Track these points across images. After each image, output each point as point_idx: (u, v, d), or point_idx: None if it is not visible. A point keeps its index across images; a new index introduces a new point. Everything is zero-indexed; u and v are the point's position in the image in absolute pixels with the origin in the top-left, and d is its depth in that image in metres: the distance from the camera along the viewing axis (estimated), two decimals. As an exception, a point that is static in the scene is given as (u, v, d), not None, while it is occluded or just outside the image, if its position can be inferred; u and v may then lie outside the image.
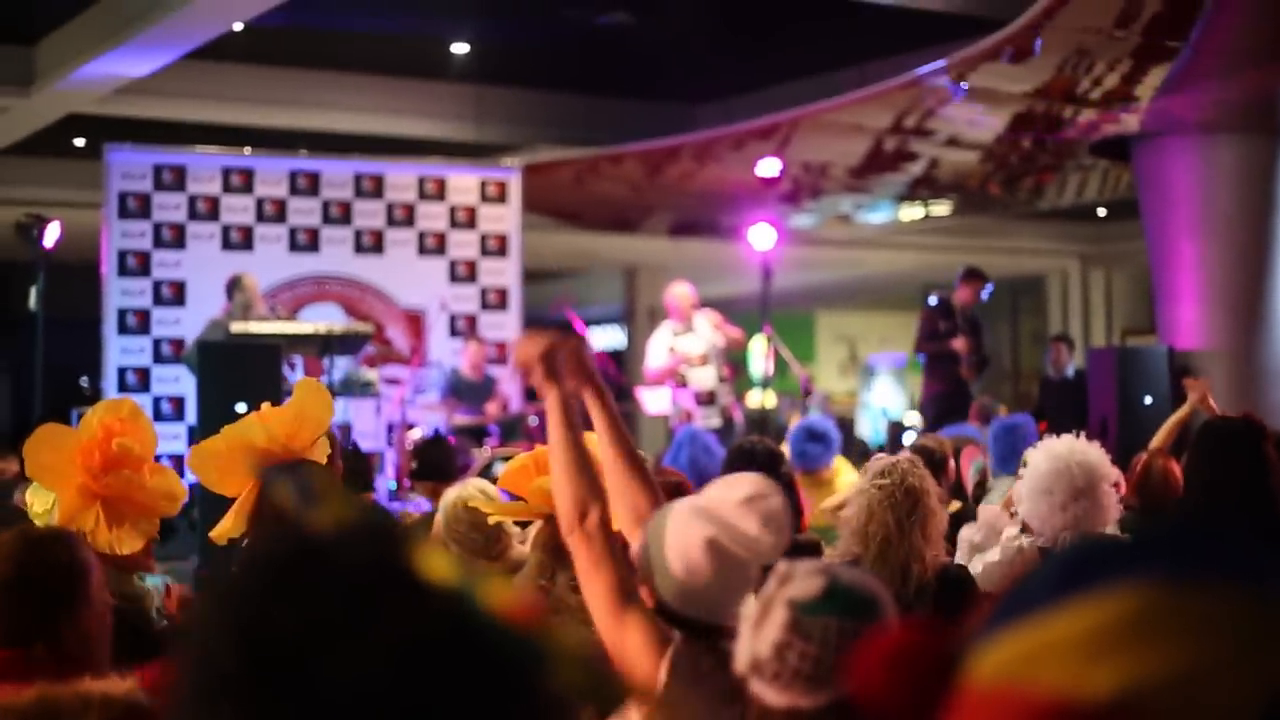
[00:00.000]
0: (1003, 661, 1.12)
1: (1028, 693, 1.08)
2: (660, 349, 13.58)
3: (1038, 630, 1.11)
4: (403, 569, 1.19)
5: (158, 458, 4.81)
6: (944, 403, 13.76)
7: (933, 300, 14.80)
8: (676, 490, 5.46)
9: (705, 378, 13.47)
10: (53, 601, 3.59)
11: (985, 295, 14.79)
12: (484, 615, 1.18)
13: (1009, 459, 8.21)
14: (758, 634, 2.43)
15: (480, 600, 1.19)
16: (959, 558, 5.60)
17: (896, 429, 19.01)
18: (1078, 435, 5.39)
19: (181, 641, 1.25)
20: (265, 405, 4.85)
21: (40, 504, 4.72)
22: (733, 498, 3.28)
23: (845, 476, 8.92)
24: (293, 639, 1.16)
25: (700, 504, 3.32)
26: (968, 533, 5.80)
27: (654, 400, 14.03)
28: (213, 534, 4.63)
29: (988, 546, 5.57)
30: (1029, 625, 1.12)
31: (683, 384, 13.48)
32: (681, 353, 13.45)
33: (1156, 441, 7.61)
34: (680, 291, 13.68)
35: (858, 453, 15.52)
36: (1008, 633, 1.13)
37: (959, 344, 14.22)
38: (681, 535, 3.27)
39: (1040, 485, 5.26)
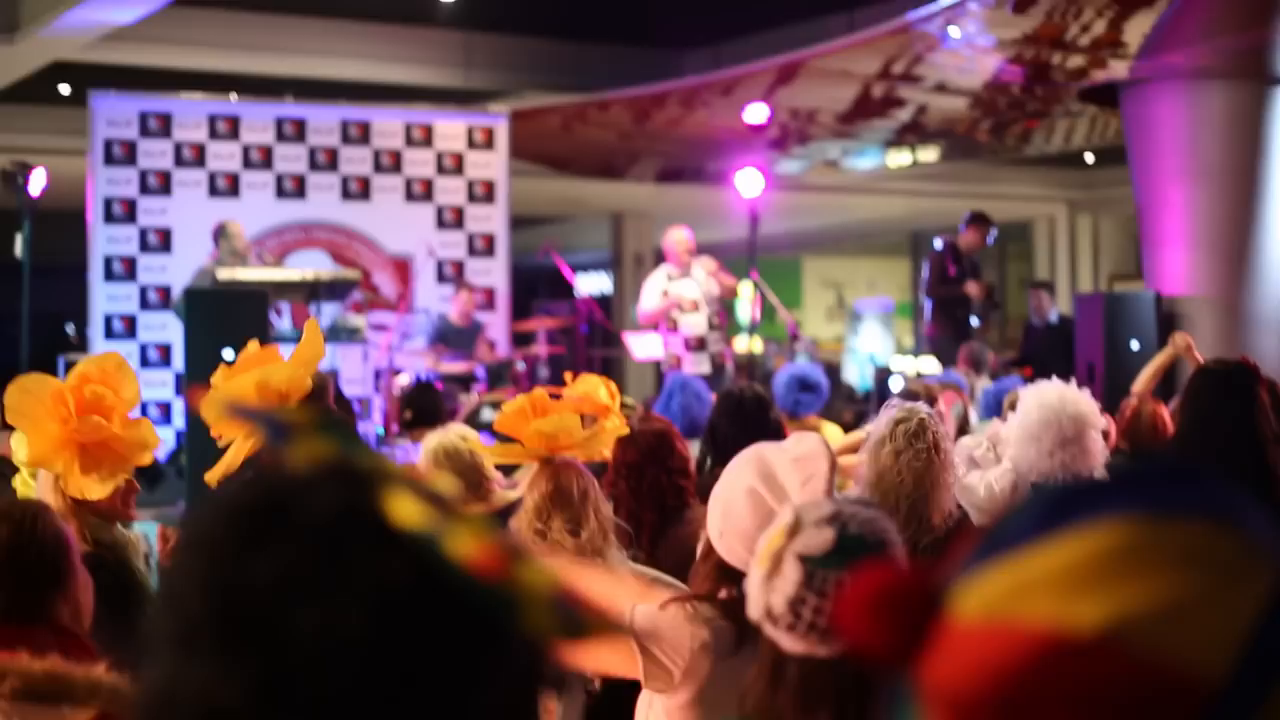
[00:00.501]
0: (988, 596, 1.12)
1: (1014, 627, 1.08)
2: (654, 292, 13.56)
3: (1023, 564, 1.11)
4: (371, 516, 1.19)
5: (145, 405, 4.83)
6: (955, 346, 13.73)
7: (939, 244, 14.80)
8: (660, 437, 5.50)
9: (697, 323, 13.45)
10: (48, 576, 3.61)
11: (990, 240, 14.83)
12: (452, 562, 1.17)
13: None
14: (770, 586, 2.42)
15: (448, 546, 1.18)
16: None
17: (883, 374, 19.03)
18: (1067, 381, 5.39)
19: (159, 589, 1.26)
20: (254, 344, 4.84)
21: (24, 451, 4.73)
22: (788, 454, 3.43)
23: (828, 429, 8.98)
24: (262, 590, 1.16)
25: (759, 453, 3.47)
26: (969, 442, 5.73)
27: (640, 346, 14.02)
28: (208, 476, 4.65)
29: (985, 464, 5.53)
30: (1014, 560, 1.12)
31: (674, 328, 13.48)
32: (675, 297, 13.43)
33: (1138, 386, 7.65)
34: (678, 236, 13.64)
35: (844, 397, 15.54)
36: (992, 568, 1.13)
37: (974, 289, 14.26)
38: (731, 480, 3.46)
39: (1029, 432, 5.27)
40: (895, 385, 15.25)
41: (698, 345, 13.41)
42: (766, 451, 3.48)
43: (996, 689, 1.08)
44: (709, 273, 13.44)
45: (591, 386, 4.98)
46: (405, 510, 1.19)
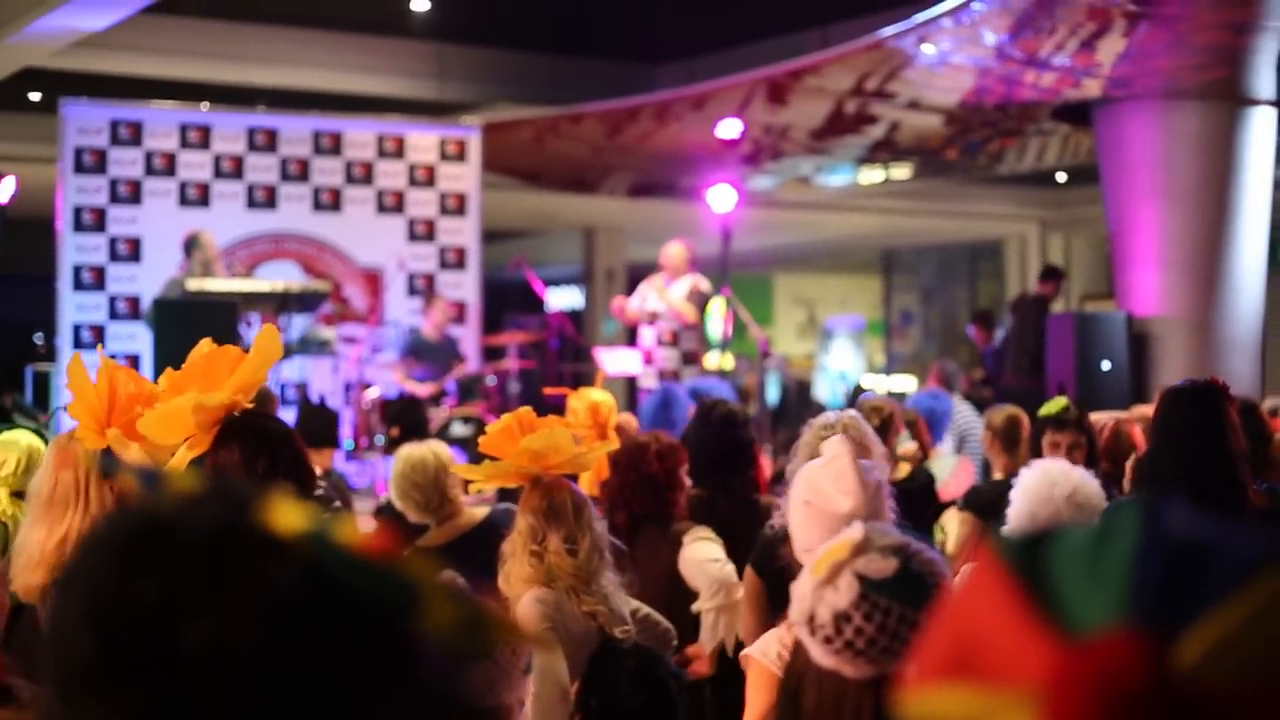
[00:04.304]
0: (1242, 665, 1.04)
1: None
2: (637, 297, 13.67)
3: (1227, 621, 1.04)
4: (250, 527, 1.16)
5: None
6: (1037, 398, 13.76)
7: (1028, 295, 15.07)
8: (669, 447, 5.61)
9: (648, 336, 13.51)
10: None
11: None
12: (342, 558, 1.16)
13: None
14: (819, 595, 2.43)
15: (337, 544, 1.16)
16: None
17: (855, 392, 19.03)
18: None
19: (43, 639, 1.22)
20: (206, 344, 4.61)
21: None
22: (819, 464, 3.68)
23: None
24: (145, 611, 1.13)
25: (805, 470, 3.72)
26: None
27: (611, 361, 14.02)
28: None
29: None
30: (1215, 619, 1.05)
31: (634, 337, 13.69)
32: (645, 307, 13.52)
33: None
34: (670, 250, 13.69)
35: (815, 415, 15.47)
36: (1209, 628, 1.04)
37: None
38: (789, 502, 3.73)
39: (1025, 510, 5.01)
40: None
41: (647, 360, 13.47)
42: (808, 467, 3.70)
43: None
44: (684, 295, 13.43)
45: (593, 403, 4.99)
46: (287, 517, 1.17)
